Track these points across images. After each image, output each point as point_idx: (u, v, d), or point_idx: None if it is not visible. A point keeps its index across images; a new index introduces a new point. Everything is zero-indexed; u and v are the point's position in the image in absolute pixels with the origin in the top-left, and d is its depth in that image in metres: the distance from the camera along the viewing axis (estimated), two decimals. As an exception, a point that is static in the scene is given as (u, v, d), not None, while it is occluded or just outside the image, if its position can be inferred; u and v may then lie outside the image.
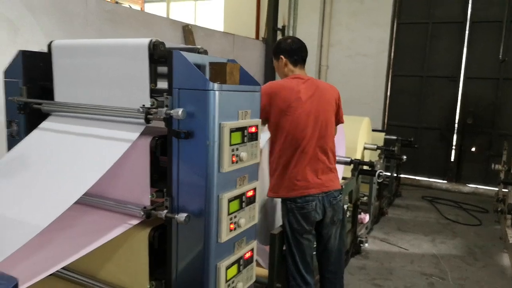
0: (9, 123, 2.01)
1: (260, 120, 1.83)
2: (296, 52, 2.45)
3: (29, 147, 1.82)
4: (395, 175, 5.74)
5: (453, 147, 6.73)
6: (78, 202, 1.62)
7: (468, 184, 6.57)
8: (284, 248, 2.37)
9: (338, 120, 2.56)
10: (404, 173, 6.62)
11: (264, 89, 2.23)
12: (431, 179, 6.82)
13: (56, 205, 1.44)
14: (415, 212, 5.37)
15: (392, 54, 6.98)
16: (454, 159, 6.73)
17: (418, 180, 6.85)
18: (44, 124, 1.91)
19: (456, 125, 6.69)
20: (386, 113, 7.12)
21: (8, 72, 1.99)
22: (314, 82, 2.42)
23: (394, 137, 5.44)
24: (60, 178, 1.63)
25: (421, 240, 4.36)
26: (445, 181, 6.74)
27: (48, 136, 1.85)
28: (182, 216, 1.57)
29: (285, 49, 2.45)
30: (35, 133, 1.88)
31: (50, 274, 1.72)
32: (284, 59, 2.44)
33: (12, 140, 1.99)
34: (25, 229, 1.35)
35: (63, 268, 1.81)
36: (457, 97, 6.63)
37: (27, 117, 1.96)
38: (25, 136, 1.93)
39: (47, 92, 1.95)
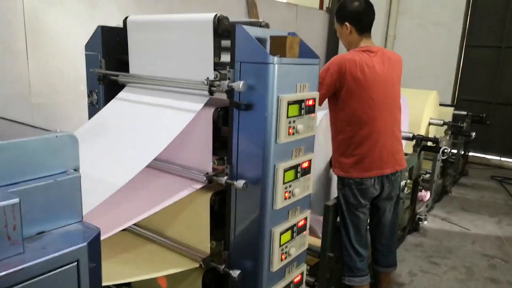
0: (90, 93, 2.23)
1: (319, 93, 1.86)
2: (363, 18, 2.23)
3: (108, 115, 2.02)
4: (462, 152, 5.45)
5: (531, 125, 6.21)
6: (149, 166, 1.80)
7: (546, 165, 6.07)
8: (338, 220, 2.43)
9: None
10: (473, 151, 6.26)
11: (334, 65, 2.14)
12: (502, 159, 6.38)
13: (131, 167, 1.61)
14: (481, 192, 5.10)
15: (468, 22, 6.47)
16: (531, 138, 6.22)
17: (488, 159, 6.44)
18: (121, 94, 2.10)
19: (536, 101, 6.14)
20: (458, 87, 6.69)
21: (88, 46, 2.18)
22: (384, 53, 2.29)
23: (464, 113, 5.14)
24: (135, 143, 1.81)
25: (486, 221, 4.17)
26: (519, 161, 6.28)
27: (124, 105, 2.04)
28: (240, 183, 1.68)
29: (351, 14, 2.23)
30: (113, 103, 2.08)
31: (125, 229, 1.95)
32: (349, 27, 2.23)
33: (92, 108, 2.22)
34: (106, 186, 1.55)
35: (135, 224, 2.04)
36: (540, 70, 6.04)
37: (105, 88, 2.16)
38: (104, 104, 2.14)
39: (123, 65, 2.13)
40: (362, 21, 2.24)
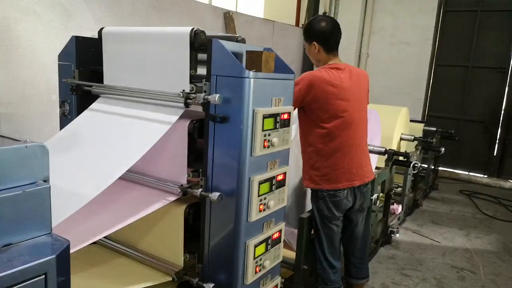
0: (62, 103, 2.19)
1: (292, 107, 1.89)
2: (330, 38, 2.28)
3: (80, 126, 1.99)
4: (432, 167, 5.62)
5: (497, 141, 6.47)
6: (123, 178, 1.78)
7: (511, 179, 6.32)
8: (312, 232, 2.45)
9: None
10: (443, 166, 6.46)
11: (303, 80, 2.20)
12: (470, 173, 6.61)
13: (103, 179, 1.59)
14: (451, 205, 5.26)
15: (437, 43, 6.75)
16: (497, 153, 6.47)
17: (457, 173, 6.66)
18: (94, 105, 2.08)
19: (501, 118, 6.41)
20: (427, 104, 6.93)
21: (62, 56, 2.16)
22: (351, 70, 2.35)
23: (434, 129, 5.31)
24: (107, 155, 1.79)
25: (455, 233, 4.29)
26: (486, 176, 6.51)
27: (97, 116, 2.02)
28: (215, 195, 1.68)
29: (318, 34, 2.27)
30: (86, 113, 2.06)
31: (95, 242, 1.91)
32: (317, 46, 2.29)
33: (64, 119, 2.18)
34: (77, 198, 1.52)
35: (107, 237, 2.00)
36: (504, 89, 6.33)
37: (78, 98, 2.13)
38: (76, 115, 2.10)
39: (97, 76, 2.11)
40: (329, 41, 2.29)
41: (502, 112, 6.38)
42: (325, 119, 2.25)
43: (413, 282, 3.21)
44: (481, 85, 6.50)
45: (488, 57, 6.42)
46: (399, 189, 4.42)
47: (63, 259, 1.03)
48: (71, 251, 1.09)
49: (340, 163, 2.29)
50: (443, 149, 4.92)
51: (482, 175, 6.55)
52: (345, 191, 2.33)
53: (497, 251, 3.92)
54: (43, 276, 0.97)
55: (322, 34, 2.28)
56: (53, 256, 0.99)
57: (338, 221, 2.38)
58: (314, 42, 2.30)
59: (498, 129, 6.45)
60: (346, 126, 2.28)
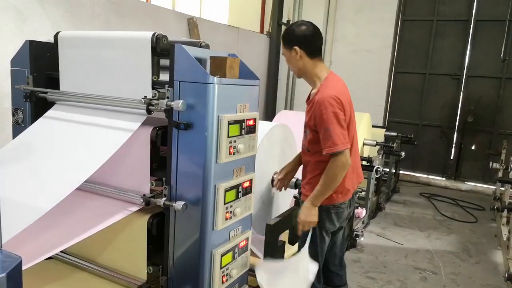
0: (15, 111, 2.07)
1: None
2: (311, 40, 2.11)
3: (35, 135, 1.89)
4: (393, 171, 5.79)
5: (453, 145, 6.77)
6: (81, 189, 1.70)
7: (467, 182, 6.61)
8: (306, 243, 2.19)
9: None
10: (403, 170, 6.67)
11: (337, 100, 2.02)
12: (430, 176, 6.87)
13: (59, 190, 1.51)
14: (412, 208, 5.42)
15: (396, 51, 7.00)
16: (454, 157, 6.77)
17: (417, 176, 6.90)
18: (50, 112, 1.98)
19: (457, 123, 6.72)
20: (388, 110, 7.15)
21: (14, 61, 2.05)
22: (338, 76, 2.24)
23: (394, 134, 5.49)
24: (64, 164, 1.70)
25: (417, 235, 4.42)
26: (444, 179, 6.79)
27: (53, 124, 1.92)
28: (179, 204, 1.63)
29: (299, 38, 2.10)
30: (40, 121, 1.95)
31: (53, 258, 1.81)
32: (299, 51, 2.08)
33: (17, 128, 2.06)
34: (30, 211, 1.42)
35: (65, 252, 1.90)
36: (459, 95, 6.64)
37: (32, 106, 2.03)
38: (30, 124, 2.00)
39: (53, 82, 2.01)
40: (311, 44, 2.12)
41: (458, 117, 6.68)
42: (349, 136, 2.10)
43: (378, 285, 3.27)
44: (438, 91, 6.79)
45: (443, 65, 6.72)
46: (363, 193, 4.51)
47: (15, 277, 0.96)
48: (24, 267, 1.01)
49: (350, 172, 2.12)
50: (403, 153, 5.11)
51: (440, 178, 6.82)
52: (348, 201, 2.23)
53: (456, 251, 4.07)
54: (-9, 297, 0.89)
55: (303, 37, 2.10)
56: (3, 274, 0.92)
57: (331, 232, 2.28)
58: (296, 47, 2.09)
59: (454, 133, 6.74)
60: (353, 135, 2.22)
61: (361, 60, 7.02)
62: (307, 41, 2.11)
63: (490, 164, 5.05)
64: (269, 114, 6.97)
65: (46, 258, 1.51)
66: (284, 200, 2.88)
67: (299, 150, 2.54)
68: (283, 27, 7.04)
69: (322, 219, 2.16)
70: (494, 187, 5.63)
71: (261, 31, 7.26)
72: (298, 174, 2.82)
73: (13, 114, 2.08)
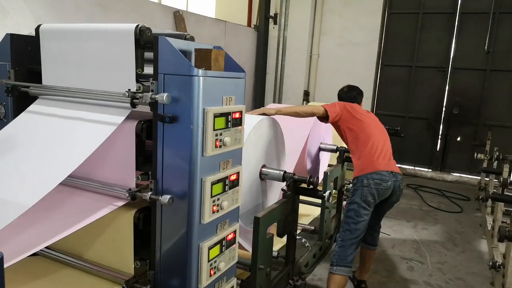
0: (-4, 106, 2.03)
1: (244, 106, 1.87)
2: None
3: (17, 129, 1.85)
4: (381, 163, 5.83)
5: (439, 137, 6.85)
6: (65, 184, 1.67)
7: (453, 172, 6.72)
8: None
9: None
10: (391, 162, 6.73)
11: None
12: (416, 168, 6.96)
13: (42, 186, 1.48)
14: (399, 199, 5.49)
15: (383, 43, 7.03)
16: (440, 148, 6.86)
17: (404, 168, 6.97)
18: (32, 107, 1.94)
19: (443, 115, 6.80)
20: (375, 103, 7.20)
21: (-5, 55, 2.00)
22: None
23: (382, 126, 5.53)
24: (46, 159, 1.67)
25: (403, 226, 4.48)
26: (430, 170, 6.88)
27: (35, 118, 1.88)
28: (166, 198, 1.62)
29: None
30: (22, 116, 1.91)
31: (37, 254, 1.78)
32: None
33: None
34: (12, 207, 1.40)
35: (50, 248, 1.87)
36: (445, 87, 6.71)
37: (14, 100, 1.99)
38: (12, 118, 1.96)
39: (35, 76, 1.97)
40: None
41: (443, 109, 6.76)
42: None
43: (366, 275, 3.30)
44: (424, 84, 6.86)
45: (429, 57, 6.78)
46: (351, 185, 4.53)
47: (-4, 274, 0.94)
48: (6, 264, 0.99)
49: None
50: (391, 145, 5.13)
51: (426, 169, 6.91)
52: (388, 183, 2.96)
53: (442, 240, 4.14)
54: (-29, 295, 0.87)
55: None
56: (-17, 271, 0.90)
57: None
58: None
59: (440, 125, 6.82)
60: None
61: (348, 53, 7.04)
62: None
63: (475, 155, 5.12)
64: (257, 107, 6.94)
65: (30, 254, 1.49)
66: (273, 192, 2.88)
67: (287, 142, 2.58)
68: (270, 21, 7.02)
69: (363, 190, 2.92)
70: (479, 178, 5.73)
71: (249, 24, 7.22)
72: (283, 167, 2.84)
73: (-6, 109, 2.03)
